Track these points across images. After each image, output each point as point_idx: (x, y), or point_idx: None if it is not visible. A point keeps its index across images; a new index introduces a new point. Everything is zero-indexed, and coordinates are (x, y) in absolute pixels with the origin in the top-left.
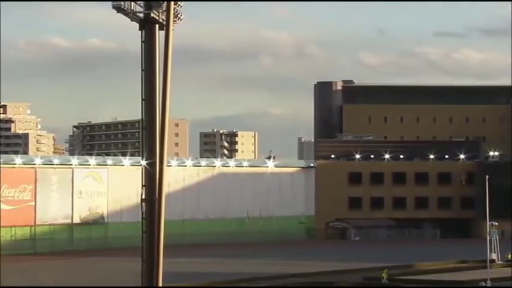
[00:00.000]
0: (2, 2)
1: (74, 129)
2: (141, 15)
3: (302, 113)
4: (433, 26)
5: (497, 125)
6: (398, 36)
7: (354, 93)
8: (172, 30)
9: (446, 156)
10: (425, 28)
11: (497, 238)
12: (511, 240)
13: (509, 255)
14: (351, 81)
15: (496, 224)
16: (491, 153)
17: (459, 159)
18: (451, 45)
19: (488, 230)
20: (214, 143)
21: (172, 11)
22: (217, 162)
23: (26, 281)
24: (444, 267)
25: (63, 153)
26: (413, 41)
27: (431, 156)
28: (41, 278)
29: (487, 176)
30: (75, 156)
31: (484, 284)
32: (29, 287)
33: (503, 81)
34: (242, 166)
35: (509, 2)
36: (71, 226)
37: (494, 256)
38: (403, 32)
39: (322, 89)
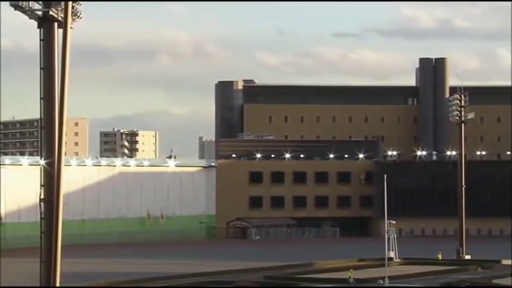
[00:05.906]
0: None
1: None
2: (40, 13)
3: (203, 112)
4: (331, 27)
5: (394, 125)
6: (297, 36)
7: (255, 93)
8: (71, 28)
9: (346, 156)
10: (323, 28)
11: (395, 236)
12: (409, 239)
13: (440, 255)
14: (251, 81)
15: (394, 222)
16: (389, 153)
17: (358, 158)
18: (348, 45)
19: (386, 228)
20: (115, 143)
21: (70, 9)
22: (118, 161)
23: None
24: (343, 266)
25: None
26: (311, 41)
27: (331, 156)
28: None
29: (385, 175)
30: None
31: (382, 282)
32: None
33: (399, 81)
34: (143, 166)
35: (402, 3)
36: None
37: (392, 254)
38: (301, 32)
39: (223, 89)
